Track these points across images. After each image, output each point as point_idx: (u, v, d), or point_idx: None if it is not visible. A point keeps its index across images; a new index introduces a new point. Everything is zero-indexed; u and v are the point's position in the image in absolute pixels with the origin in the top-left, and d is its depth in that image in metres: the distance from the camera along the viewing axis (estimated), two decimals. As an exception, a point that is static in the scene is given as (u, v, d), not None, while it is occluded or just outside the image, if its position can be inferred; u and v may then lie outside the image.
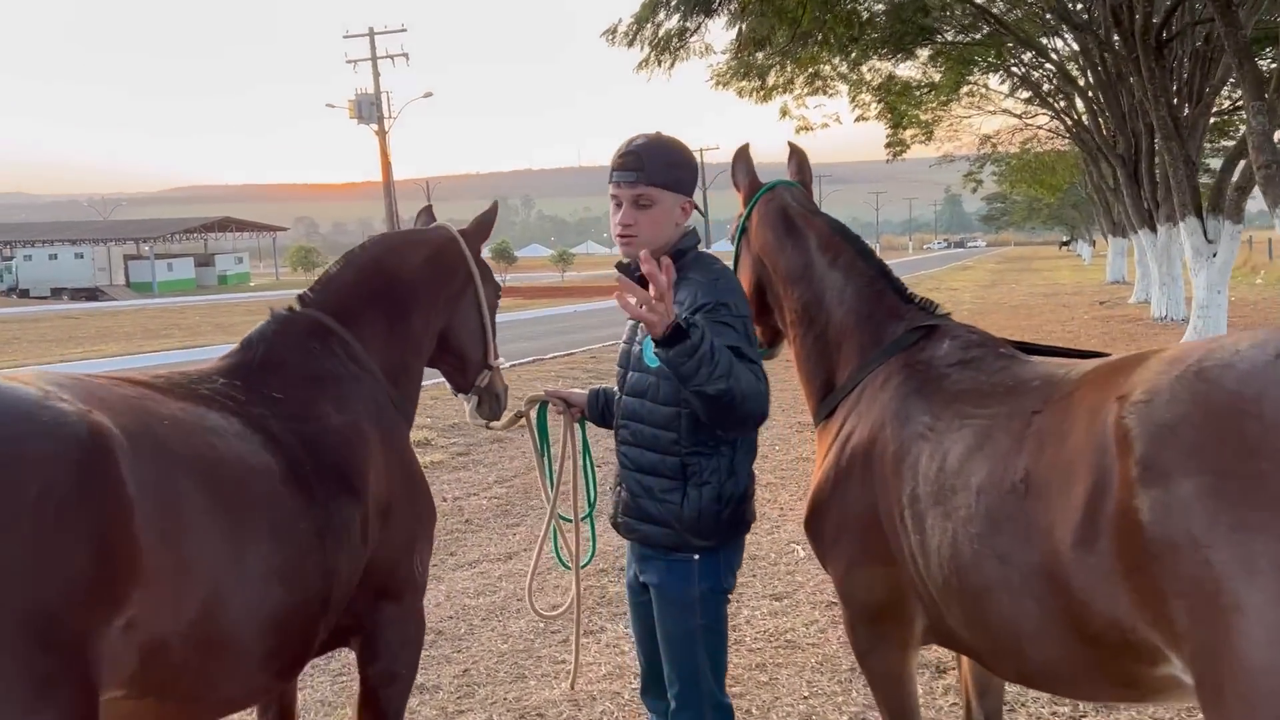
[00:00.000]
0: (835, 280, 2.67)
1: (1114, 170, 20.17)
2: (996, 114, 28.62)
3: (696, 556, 2.48)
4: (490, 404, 3.19)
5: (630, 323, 2.60)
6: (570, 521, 3.16)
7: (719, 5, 8.78)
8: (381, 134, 40.24)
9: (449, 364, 3.11)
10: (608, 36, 9.61)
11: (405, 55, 39.58)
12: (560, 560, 3.26)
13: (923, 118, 25.77)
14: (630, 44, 9.49)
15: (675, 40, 9.14)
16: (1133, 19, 11.96)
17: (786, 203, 2.86)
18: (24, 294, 62.33)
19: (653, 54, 9.46)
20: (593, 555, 3.41)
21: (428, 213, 3.32)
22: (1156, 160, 15.41)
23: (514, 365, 14.33)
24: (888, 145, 25.42)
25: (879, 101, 22.57)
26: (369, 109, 39.35)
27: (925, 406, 2.25)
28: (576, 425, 3.03)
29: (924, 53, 20.21)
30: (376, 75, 39.82)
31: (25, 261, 64.85)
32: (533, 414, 3.17)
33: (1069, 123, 25.25)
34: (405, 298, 2.83)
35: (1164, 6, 11.58)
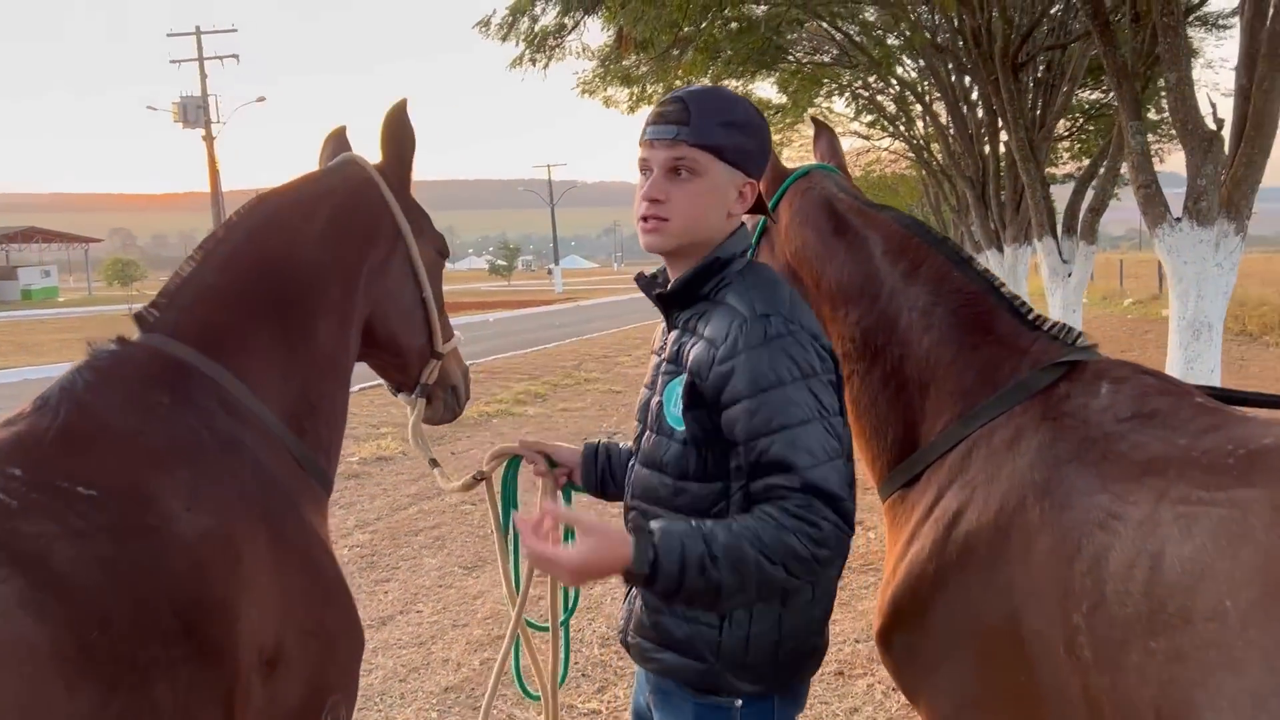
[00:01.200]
0: (916, 297, 1.92)
1: (958, 192, 20.80)
2: (846, 135, 29.36)
3: (739, 702, 1.70)
4: (447, 401, 2.29)
5: (657, 347, 1.82)
6: (542, 630, 2.21)
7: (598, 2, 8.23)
8: (209, 139, 37.73)
9: (381, 359, 2.20)
10: (481, 29, 8.93)
11: (235, 56, 37.28)
12: (522, 687, 2.27)
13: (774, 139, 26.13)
14: (504, 38, 8.83)
15: (552, 38, 8.52)
16: (991, 42, 12.22)
17: (831, 192, 2.14)
18: None
19: (528, 50, 8.84)
20: (565, 676, 2.35)
21: (337, 140, 2.24)
22: (1003, 182, 15.91)
23: (356, 390, 13.30)
24: (738, 166, 25.56)
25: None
26: (195, 112, 36.80)
27: (1098, 481, 1.51)
28: (560, 494, 2.11)
29: (774, 74, 20.36)
30: (203, 76, 37.31)
31: None
32: (497, 475, 2.20)
33: (912, 145, 26.09)
34: (305, 291, 1.89)
35: (1023, 30, 11.84)
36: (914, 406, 1.92)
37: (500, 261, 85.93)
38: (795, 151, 28.53)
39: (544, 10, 8.44)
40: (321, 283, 1.97)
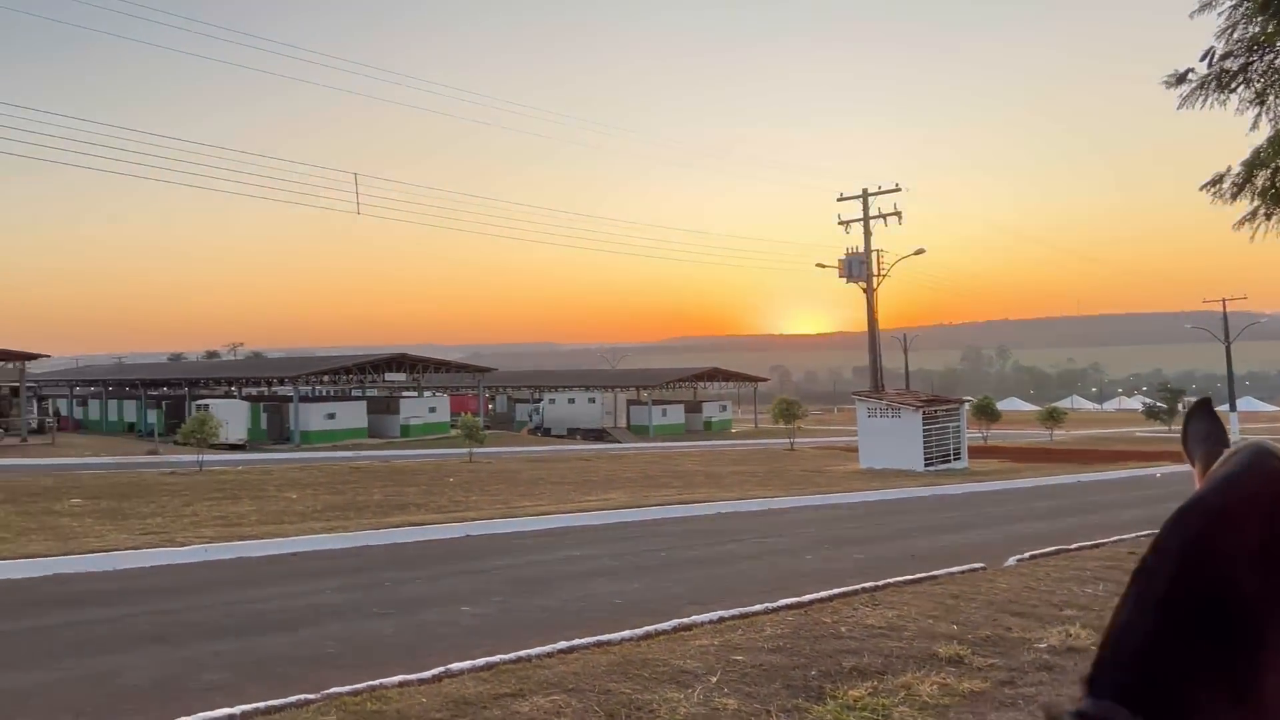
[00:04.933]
0: None
1: None
2: None
3: None
4: None
5: None
6: None
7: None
8: (870, 291, 40.45)
9: None
10: (1211, 189, 8.14)
11: (898, 214, 39.79)
12: None
13: None
14: (1235, 197, 7.94)
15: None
16: None
17: None
18: (546, 432, 71.43)
19: (1261, 205, 7.81)
20: None
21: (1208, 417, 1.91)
22: None
23: (1028, 558, 12.54)
24: None
25: None
26: (858, 268, 39.87)
27: None
28: None
29: None
30: (868, 235, 40.40)
31: (550, 405, 74.51)
32: None
33: None
34: (1246, 633, 1.54)
35: None
36: None
37: (1159, 404, 77.61)
38: None
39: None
40: (1267, 621, 1.66)
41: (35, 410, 65.42)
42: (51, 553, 12.22)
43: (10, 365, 56.97)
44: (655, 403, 77.59)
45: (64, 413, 73.55)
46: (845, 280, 40.64)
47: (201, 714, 5.75)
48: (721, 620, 8.53)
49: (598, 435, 67.35)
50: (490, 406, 78.43)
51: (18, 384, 60.49)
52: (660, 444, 59.21)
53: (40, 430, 58.56)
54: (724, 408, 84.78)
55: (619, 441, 63.67)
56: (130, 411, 69.23)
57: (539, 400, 77.96)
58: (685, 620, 8.44)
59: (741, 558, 13.85)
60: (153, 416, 64.00)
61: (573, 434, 69.33)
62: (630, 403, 75.94)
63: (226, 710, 5.81)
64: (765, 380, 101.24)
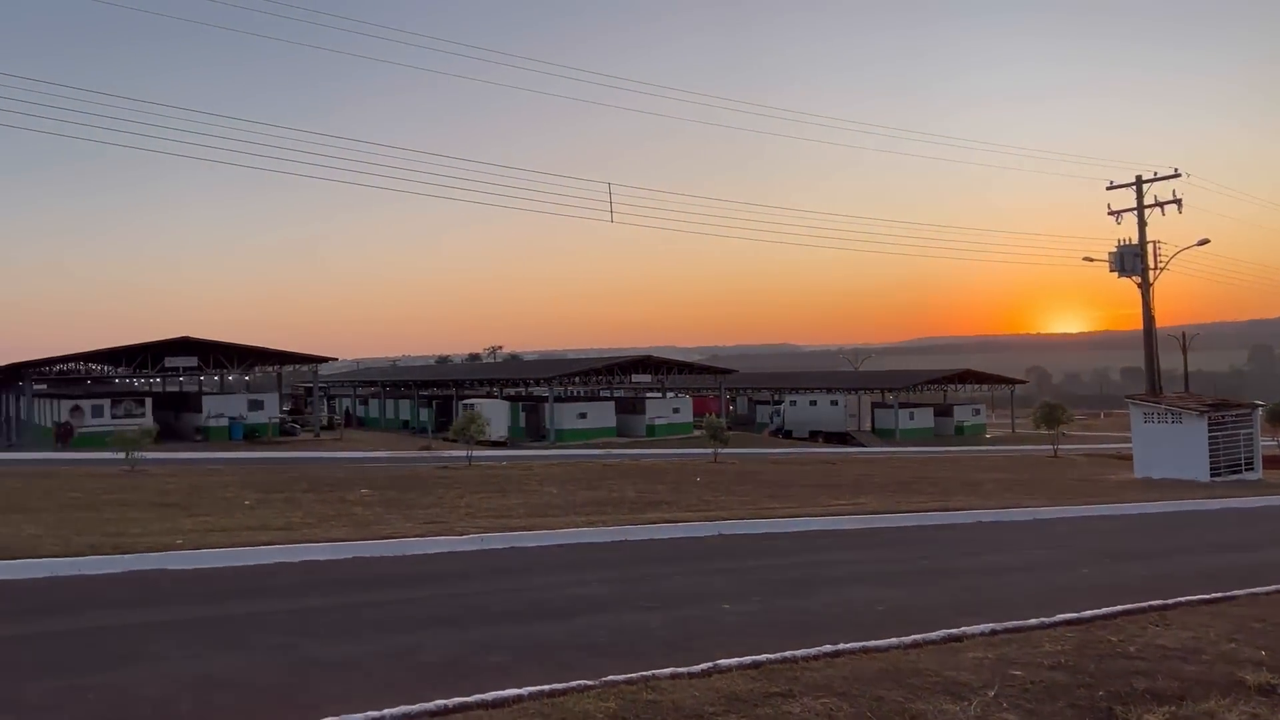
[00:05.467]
0: None
1: None
2: None
3: None
4: None
5: None
6: None
7: None
8: (1145, 285, 37.27)
9: None
10: None
11: (1178, 202, 36.35)
12: None
13: None
14: None
15: None
16: None
17: None
18: (787, 434, 71.03)
19: None
20: None
21: None
22: None
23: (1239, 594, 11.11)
24: None
25: None
26: (1131, 261, 36.82)
27: None
28: None
29: None
30: (1142, 226, 37.22)
31: (791, 407, 74.01)
32: None
33: None
34: None
35: None
36: None
37: None
38: None
39: None
40: None
41: (325, 408, 72.64)
42: (350, 538, 13.53)
43: (306, 368, 63.66)
44: (902, 405, 75.28)
45: (348, 411, 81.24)
46: (1116, 274, 37.63)
47: (493, 692, 6.18)
48: (994, 633, 8.17)
49: (841, 438, 66.20)
50: (731, 408, 78.97)
51: (311, 385, 67.50)
52: (908, 448, 57.37)
53: (330, 426, 65.01)
54: (977, 411, 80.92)
55: (863, 445, 62.27)
56: (404, 410, 75.35)
57: (780, 402, 77.65)
58: (954, 631, 8.15)
59: (1007, 569, 13.19)
60: (424, 415, 69.41)
61: (814, 436, 68.53)
62: (875, 405, 74.06)
63: (514, 690, 6.21)
64: (1022, 382, 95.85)
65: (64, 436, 47.53)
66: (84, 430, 48.19)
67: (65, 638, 8.03)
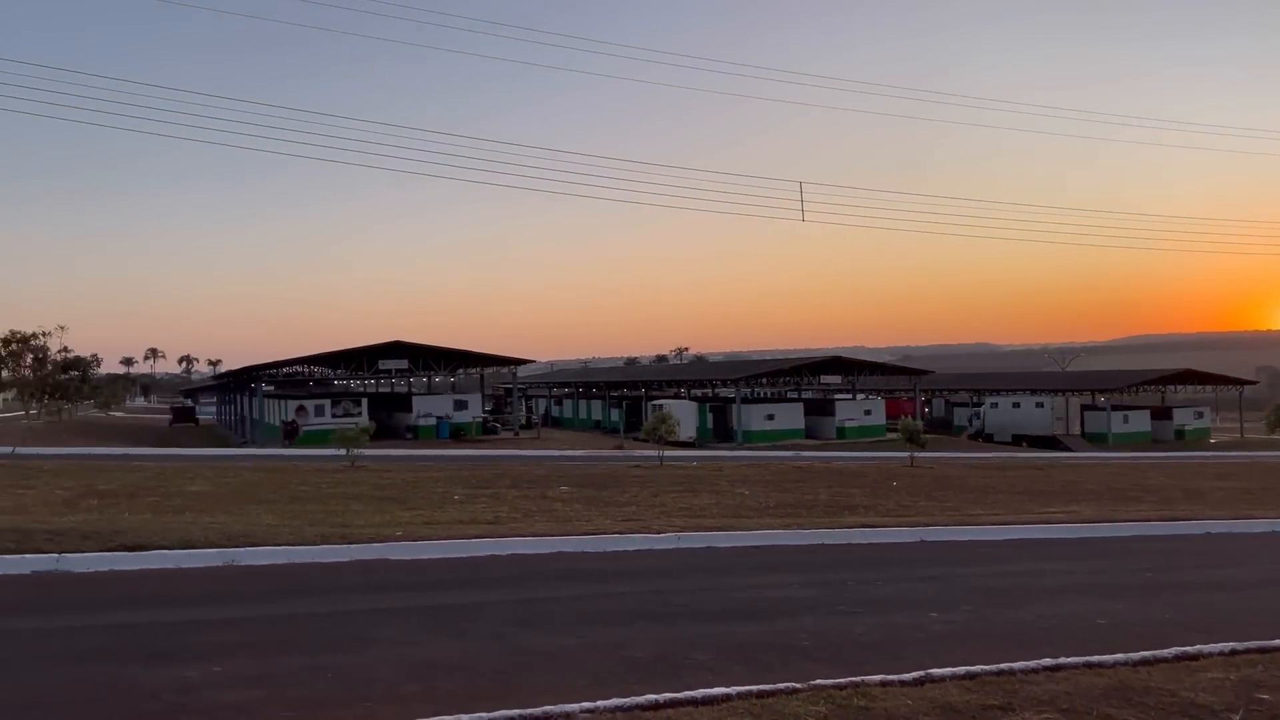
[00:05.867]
0: None
1: None
2: None
3: None
4: None
5: None
6: None
7: None
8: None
9: None
10: None
11: None
12: None
13: None
14: None
15: None
16: None
17: None
18: (988, 438, 67.91)
19: None
20: None
21: None
22: None
23: None
24: None
25: None
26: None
27: None
28: None
29: None
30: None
31: (991, 409, 70.73)
32: None
33: None
34: None
35: None
36: None
37: None
38: None
39: None
40: None
41: (524, 408, 75.45)
42: (553, 532, 14.01)
43: (505, 370, 66.38)
44: (1114, 408, 70.53)
45: (545, 411, 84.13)
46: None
47: (701, 690, 6.25)
48: (1234, 653, 7.56)
49: (1047, 443, 62.67)
50: (926, 410, 76.33)
51: (510, 386, 70.30)
52: (1122, 454, 53.70)
53: (528, 425, 67.52)
54: (1200, 414, 74.73)
55: (1072, 450, 58.75)
56: (596, 410, 77.22)
57: (979, 404, 74.40)
58: (1188, 649, 7.60)
59: (1242, 584, 12.16)
60: (615, 415, 70.91)
61: (1018, 440, 65.20)
62: (1084, 408, 69.65)
63: (723, 689, 6.26)
64: (1252, 383, 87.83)
65: (290, 434, 51.60)
66: (308, 428, 52.14)
67: (305, 620, 8.73)
